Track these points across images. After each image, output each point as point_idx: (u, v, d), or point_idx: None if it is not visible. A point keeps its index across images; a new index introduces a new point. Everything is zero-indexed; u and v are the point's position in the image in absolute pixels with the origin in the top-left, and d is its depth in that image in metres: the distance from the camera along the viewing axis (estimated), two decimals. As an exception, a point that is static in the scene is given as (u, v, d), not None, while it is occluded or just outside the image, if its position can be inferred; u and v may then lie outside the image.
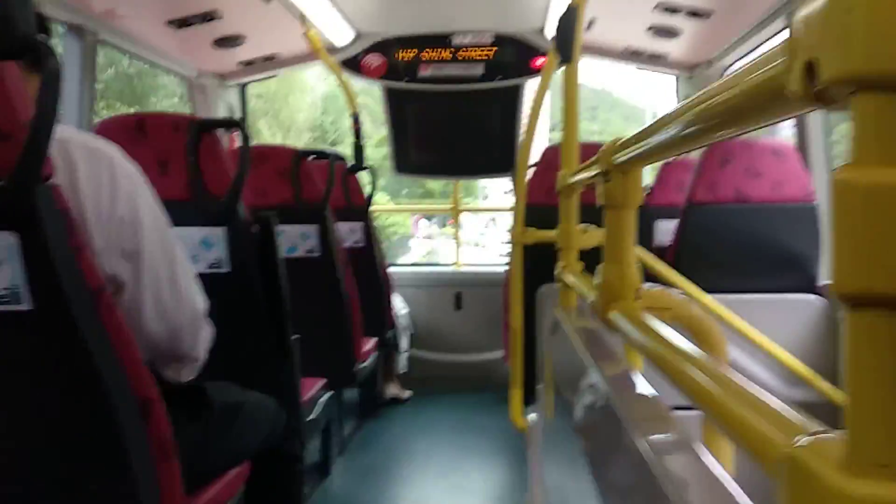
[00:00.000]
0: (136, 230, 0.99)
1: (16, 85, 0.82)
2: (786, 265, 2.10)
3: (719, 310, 1.72)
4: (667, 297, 0.95)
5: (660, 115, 0.62)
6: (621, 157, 0.86)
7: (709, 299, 1.72)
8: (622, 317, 0.81)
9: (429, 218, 21.06)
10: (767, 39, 2.64)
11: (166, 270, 1.05)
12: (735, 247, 2.11)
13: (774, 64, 0.34)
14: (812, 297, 2.10)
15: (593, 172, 1.06)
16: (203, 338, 1.16)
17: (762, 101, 0.38)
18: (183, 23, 2.59)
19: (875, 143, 0.27)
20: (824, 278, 2.16)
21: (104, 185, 0.95)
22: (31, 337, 0.88)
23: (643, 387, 0.85)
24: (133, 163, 1.03)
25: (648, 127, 0.68)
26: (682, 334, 0.65)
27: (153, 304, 1.04)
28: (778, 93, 0.33)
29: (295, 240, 2.29)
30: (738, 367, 2.05)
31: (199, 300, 1.15)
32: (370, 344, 2.74)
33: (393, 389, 3.48)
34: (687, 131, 0.53)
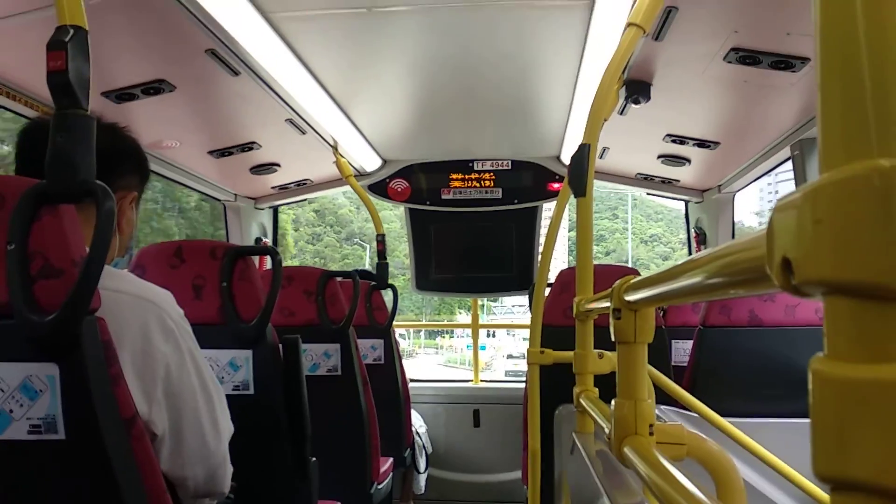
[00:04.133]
0: (179, 377, 1.02)
1: (71, 226, 0.88)
2: (803, 389, 2.09)
3: (738, 435, 1.72)
4: (680, 433, 0.97)
5: (668, 266, 0.68)
6: (632, 296, 0.91)
7: (727, 424, 1.72)
8: (635, 453, 0.83)
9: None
10: (774, 167, 2.76)
11: (208, 416, 1.07)
12: (751, 370, 2.12)
13: (756, 252, 0.36)
14: None
15: (607, 304, 1.10)
16: (230, 472, 1.16)
17: (749, 279, 0.40)
18: (223, 153, 2.79)
19: (845, 341, 0.28)
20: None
21: (150, 334, 0.98)
22: (61, 465, 0.89)
23: None
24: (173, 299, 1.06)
25: (659, 274, 0.73)
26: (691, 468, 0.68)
27: (197, 449, 1.05)
28: (762, 276, 0.36)
29: (318, 358, 2.34)
30: (758, 493, 2.00)
31: (228, 436, 1.15)
32: (387, 464, 2.71)
33: (409, 511, 3.38)
34: (690, 285, 0.56)
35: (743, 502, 0.99)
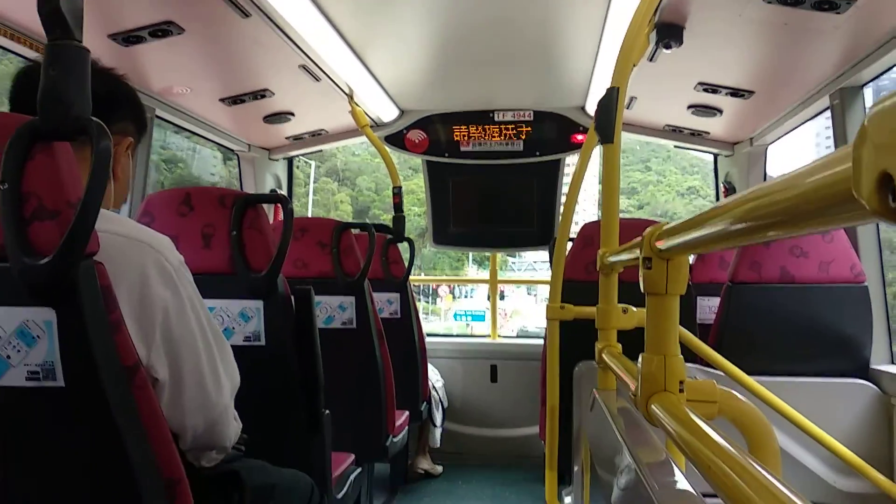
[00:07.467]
0: (179, 323, 0.99)
1: (66, 165, 0.83)
2: (835, 348, 2.02)
3: (765, 394, 1.66)
4: (712, 390, 0.91)
5: (710, 207, 0.60)
6: (665, 244, 0.84)
7: (754, 383, 1.66)
8: (664, 411, 0.78)
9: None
10: (810, 118, 2.62)
11: (209, 365, 1.04)
12: (780, 328, 2.05)
13: (839, 170, 0.31)
14: (863, 382, 2.00)
15: (634, 255, 1.03)
16: (234, 429, 1.14)
17: (825, 208, 0.34)
18: (235, 100, 2.71)
19: None
20: (876, 362, 2.06)
21: (147, 278, 0.95)
22: (62, 413, 0.87)
23: (679, 477, 0.81)
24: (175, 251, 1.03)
25: (697, 216, 0.65)
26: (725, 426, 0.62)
27: (197, 398, 1.03)
28: (843, 201, 0.30)
29: (332, 311, 2.31)
30: (787, 455, 1.95)
31: (231, 389, 1.12)
32: (403, 417, 2.70)
33: (424, 464, 3.40)
34: (739, 227, 0.49)
35: (777, 463, 0.94)
